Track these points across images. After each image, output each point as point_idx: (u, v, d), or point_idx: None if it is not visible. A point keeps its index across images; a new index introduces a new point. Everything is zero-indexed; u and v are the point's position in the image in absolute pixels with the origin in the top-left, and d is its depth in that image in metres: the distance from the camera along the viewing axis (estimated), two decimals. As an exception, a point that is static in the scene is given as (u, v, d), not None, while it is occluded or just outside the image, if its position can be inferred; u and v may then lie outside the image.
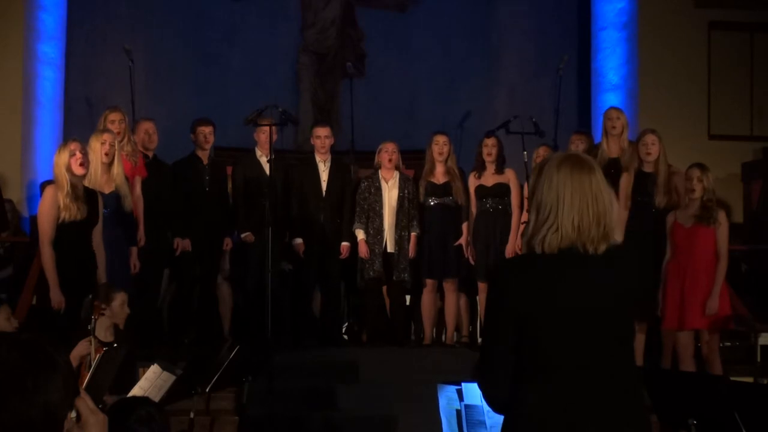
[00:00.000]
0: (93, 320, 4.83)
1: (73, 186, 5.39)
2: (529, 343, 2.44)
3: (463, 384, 3.12)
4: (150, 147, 6.91)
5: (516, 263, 2.63)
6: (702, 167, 6.08)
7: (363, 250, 7.07)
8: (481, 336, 2.60)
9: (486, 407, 3.05)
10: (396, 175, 7.20)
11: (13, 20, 9.30)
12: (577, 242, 2.45)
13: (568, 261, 2.45)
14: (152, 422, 2.78)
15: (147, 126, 6.91)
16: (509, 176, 7.11)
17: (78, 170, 5.41)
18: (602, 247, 2.45)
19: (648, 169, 6.48)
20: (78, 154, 5.40)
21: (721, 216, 6.04)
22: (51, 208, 5.38)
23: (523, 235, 6.65)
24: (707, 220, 5.99)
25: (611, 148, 6.85)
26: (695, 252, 6.02)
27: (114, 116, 6.44)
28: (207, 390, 5.01)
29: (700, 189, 6.01)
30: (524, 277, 2.47)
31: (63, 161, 5.39)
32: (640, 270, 2.60)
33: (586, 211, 2.45)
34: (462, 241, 7.11)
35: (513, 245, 6.91)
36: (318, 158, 7.21)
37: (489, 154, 7.08)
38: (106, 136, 5.88)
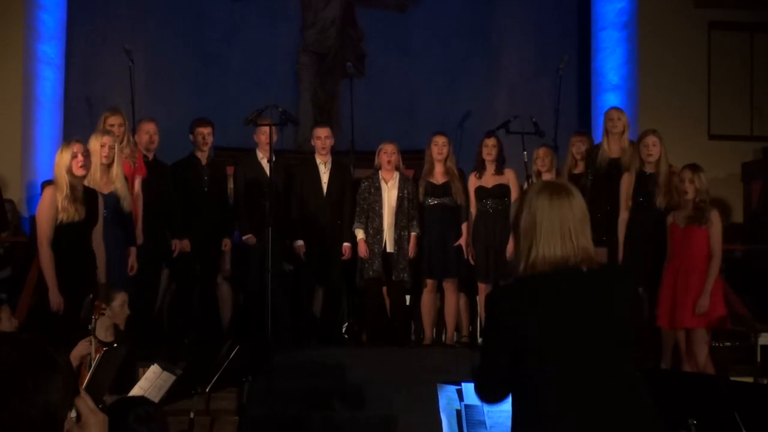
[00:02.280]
0: (93, 320, 4.83)
1: (72, 187, 5.38)
2: (531, 362, 2.48)
3: (463, 384, 3.12)
4: (151, 148, 6.90)
5: (509, 289, 2.68)
6: (694, 168, 6.08)
7: (362, 250, 7.07)
8: (479, 351, 2.71)
9: (486, 407, 3.06)
10: (396, 175, 7.20)
11: (13, 20, 9.30)
12: (562, 262, 2.50)
13: (559, 279, 2.50)
14: (151, 421, 2.78)
15: (148, 127, 6.90)
16: (509, 177, 7.12)
17: (78, 172, 5.41)
18: (587, 265, 2.51)
19: (649, 169, 6.49)
20: (80, 157, 5.38)
21: (714, 216, 6.05)
22: (50, 209, 5.37)
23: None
24: (699, 220, 6.01)
25: (612, 148, 6.86)
26: (689, 252, 6.04)
27: (113, 120, 6.40)
28: (207, 390, 5.00)
29: (692, 190, 6.02)
30: (518, 302, 2.51)
31: (64, 162, 5.38)
32: (635, 283, 2.63)
33: (568, 234, 2.51)
34: (462, 241, 7.11)
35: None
36: (318, 159, 7.22)
37: (489, 154, 7.08)
38: (105, 139, 5.87)
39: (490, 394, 2.62)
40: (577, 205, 2.55)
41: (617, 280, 2.57)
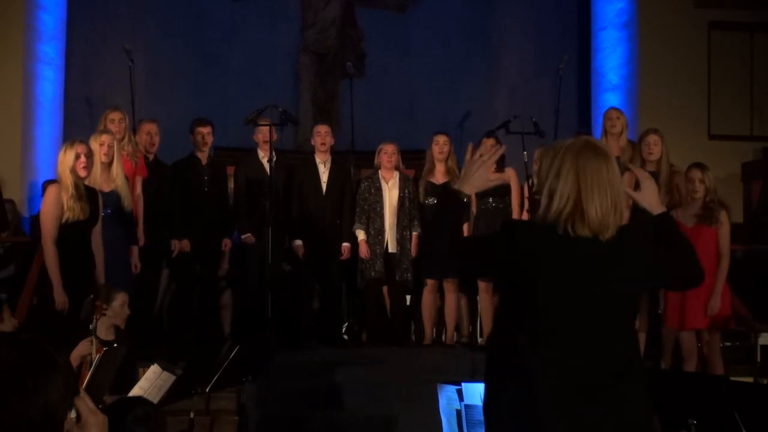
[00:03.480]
0: (94, 320, 4.83)
1: (75, 186, 5.40)
2: (530, 319, 2.46)
3: (463, 384, 3.12)
4: (151, 149, 6.91)
5: (534, 227, 2.62)
6: (702, 167, 6.07)
7: (363, 251, 7.07)
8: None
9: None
10: (396, 175, 7.20)
11: (13, 20, 9.30)
12: (598, 228, 2.48)
13: (583, 244, 2.48)
14: (149, 422, 2.78)
15: (149, 127, 6.90)
16: (510, 175, 7.11)
17: (81, 173, 5.43)
18: (614, 232, 2.50)
19: (650, 168, 6.48)
20: (83, 158, 5.40)
21: (723, 216, 6.03)
22: (54, 208, 5.38)
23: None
24: (709, 220, 5.98)
25: (611, 148, 6.85)
26: (697, 252, 6.01)
27: (114, 115, 6.43)
28: (207, 390, 5.00)
29: (703, 189, 6.00)
30: (536, 245, 2.48)
31: (68, 162, 5.39)
32: (646, 241, 2.63)
33: (605, 198, 2.49)
34: (463, 243, 7.10)
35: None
36: (318, 158, 7.21)
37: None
38: (104, 138, 5.87)
39: (441, 257, 2.58)
40: (614, 164, 2.55)
41: (630, 249, 2.55)
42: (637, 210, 6.64)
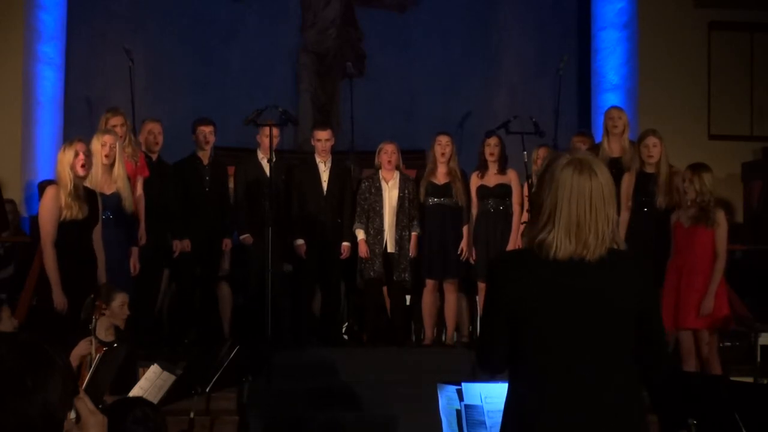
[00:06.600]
0: (94, 320, 4.83)
1: (74, 185, 5.39)
2: (524, 345, 2.46)
3: (463, 384, 3.12)
4: (154, 149, 6.90)
5: (514, 257, 2.64)
6: (694, 169, 6.03)
7: (363, 250, 7.08)
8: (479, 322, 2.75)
9: (486, 407, 3.05)
10: (396, 175, 7.20)
11: (13, 20, 9.29)
12: (576, 248, 2.43)
13: (565, 266, 2.44)
14: (148, 422, 2.78)
15: (153, 127, 6.91)
16: (511, 177, 7.12)
17: (80, 171, 5.41)
18: (600, 253, 2.44)
19: (649, 169, 6.49)
20: (81, 156, 5.39)
21: (720, 217, 6.02)
22: (53, 208, 5.37)
23: (523, 235, 6.64)
24: (705, 221, 5.98)
25: (612, 148, 6.85)
26: (693, 252, 6.02)
27: (115, 120, 6.40)
28: (207, 390, 5.00)
29: (692, 191, 5.98)
30: (520, 273, 2.48)
31: (67, 160, 5.38)
32: (645, 275, 2.57)
33: (583, 216, 2.43)
34: (463, 244, 7.11)
35: (514, 245, 6.91)
36: (318, 158, 7.22)
37: (492, 154, 7.09)
38: (106, 138, 5.86)
39: (488, 364, 2.58)
40: (600, 184, 2.45)
41: (624, 270, 2.49)
42: (638, 211, 6.67)
